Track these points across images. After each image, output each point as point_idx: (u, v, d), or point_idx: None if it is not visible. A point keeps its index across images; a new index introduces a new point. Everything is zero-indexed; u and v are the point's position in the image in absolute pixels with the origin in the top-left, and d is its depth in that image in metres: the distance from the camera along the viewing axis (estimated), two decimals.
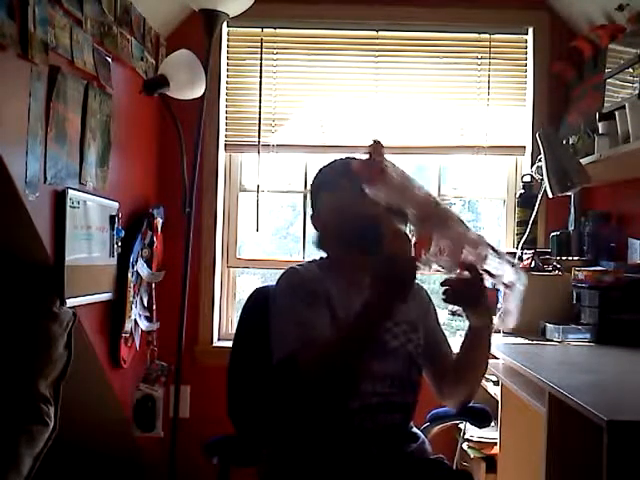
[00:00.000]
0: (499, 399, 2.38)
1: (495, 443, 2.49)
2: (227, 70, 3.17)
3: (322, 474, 1.50)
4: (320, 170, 1.66)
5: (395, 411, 1.55)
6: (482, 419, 1.82)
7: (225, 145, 3.18)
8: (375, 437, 1.51)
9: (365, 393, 1.51)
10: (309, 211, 1.69)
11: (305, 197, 3.23)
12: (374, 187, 1.17)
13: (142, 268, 2.72)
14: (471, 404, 1.69)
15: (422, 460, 1.58)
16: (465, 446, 2.68)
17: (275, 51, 3.17)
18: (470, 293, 1.38)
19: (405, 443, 1.57)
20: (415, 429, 1.66)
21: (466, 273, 1.35)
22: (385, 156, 1.18)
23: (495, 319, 1.42)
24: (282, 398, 1.52)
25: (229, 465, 1.68)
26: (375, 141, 1.18)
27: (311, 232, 1.69)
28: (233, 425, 1.72)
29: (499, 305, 1.40)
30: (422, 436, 1.65)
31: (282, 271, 1.59)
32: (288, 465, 1.56)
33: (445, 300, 1.39)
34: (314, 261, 1.67)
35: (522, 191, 2.91)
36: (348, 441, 1.50)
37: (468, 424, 2.47)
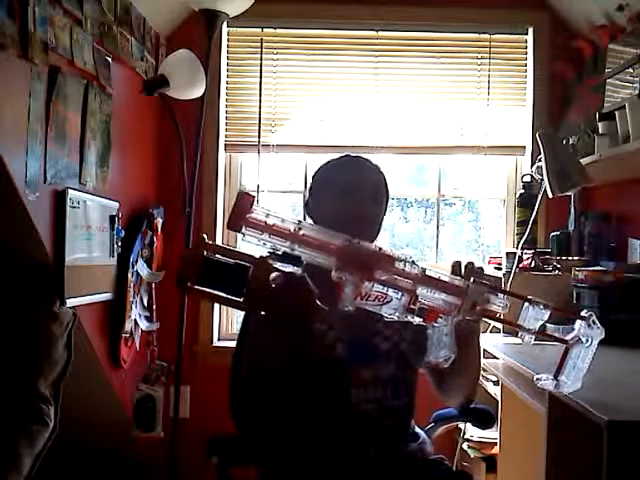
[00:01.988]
0: (499, 399, 2.38)
1: (495, 443, 2.49)
2: (227, 70, 3.17)
3: (320, 476, 1.50)
4: (327, 162, 1.64)
5: (391, 415, 1.54)
6: (485, 420, 1.81)
7: (225, 145, 3.18)
8: (372, 441, 1.51)
9: (358, 401, 1.50)
10: (305, 198, 1.66)
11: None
12: (240, 232, 1.10)
13: (142, 268, 2.72)
14: (474, 405, 1.68)
15: (421, 460, 1.58)
16: (465, 446, 2.68)
17: (275, 51, 3.17)
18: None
19: (404, 444, 1.57)
20: (417, 429, 1.65)
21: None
22: (256, 206, 1.10)
23: (548, 382, 1.22)
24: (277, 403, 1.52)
25: (229, 465, 1.68)
26: (239, 192, 1.13)
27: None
28: (234, 424, 1.72)
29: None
30: (423, 436, 1.64)
31: None
32: (287, 467, 1.56)
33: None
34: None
35: (522, 191, 2.91)
36: (345, 446, 1.50)
37: (469, 424, 2.47)
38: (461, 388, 1.58)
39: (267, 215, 1.10)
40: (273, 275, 1.09)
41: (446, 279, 1.15)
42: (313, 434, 1.51)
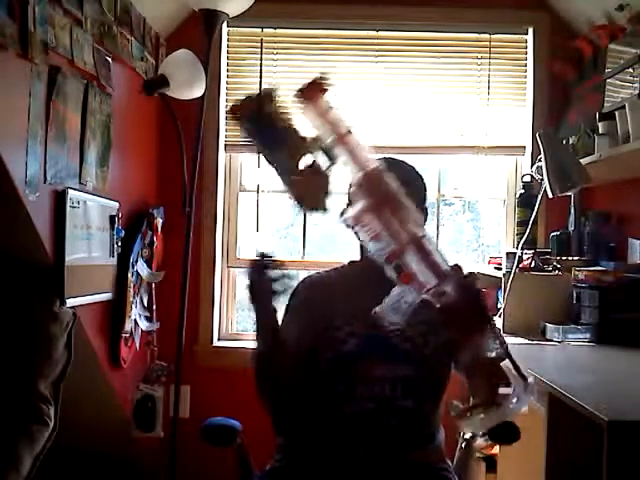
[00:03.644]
0: None
1: (495, 443, 2.49)
2: (227, 70, 3.17)
3: (318, 474, 1.51)
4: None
5: (395, 416, 1.53)
6: (512, 436, 1.72)
7: (225, 145, 3.18)
8: (366, 439, 1.51)
9: (361, 397, 1.50)
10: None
11: None
12: (306, 107, 1.17)
13: (142, 268, 2.72)
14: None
15: (417, 465, 1.55)
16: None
17: (275, 51, 3.17)
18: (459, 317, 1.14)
19: (405, 446, 1.55)
20: (439, 435, 1.61)
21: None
22: (329, 99, 1.18)
23: (457, 409, 1.12)
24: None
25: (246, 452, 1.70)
26: (322, 73, 1.19)
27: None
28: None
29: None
30: (436, 443, 1.59)
31: None
32: (291, 460, 1.58)
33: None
34: (338, 267, 1.68)
35: (522, 191, 2.91)
36: (342, 446, 1.50)
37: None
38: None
39: (330, 107, 1.16)
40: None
41: (437, 258, 1.12)
42: (313, 421, 1.53)
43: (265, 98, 1.20)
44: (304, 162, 1.14)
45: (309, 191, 1.17)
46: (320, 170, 1.15)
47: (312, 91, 1.16)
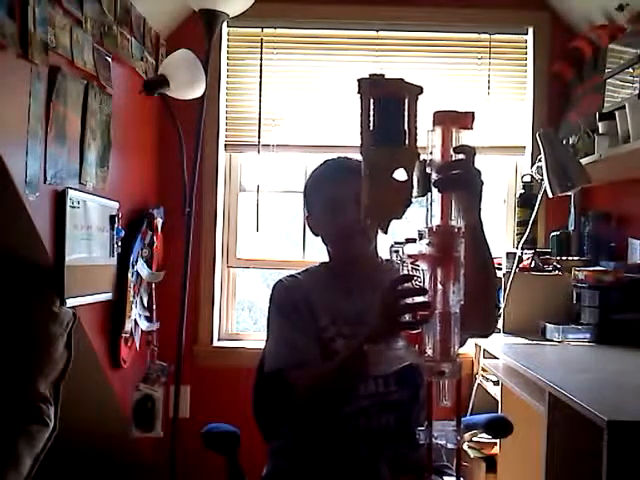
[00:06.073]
0: (499, 399, 2.38)
1: (495, 443, 2.49)
2: (227, 70, 3.17)
3: (319, 475, 1.51)
4: (313, 171, 1.68)
5: (391, 411, 1.53)
6: (503, 429, 1.76)
7: (225, 145, 3.18)
8: (370, 440, 1.51)
9: (357, 395, 1.50)
10: (304, 213, 1.71)
11: None
12: (443, 129, 1.08)
13: (142, 268, 2.72)
14: (491, 415, 1.68)
15: (415, 465, 1.55)
16: (465, 446, 2.68)
17: (275, 51, 3.17)
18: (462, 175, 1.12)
19: (403, 445, 1.55)
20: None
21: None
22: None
23: None
24: (276, 403, 1.55)
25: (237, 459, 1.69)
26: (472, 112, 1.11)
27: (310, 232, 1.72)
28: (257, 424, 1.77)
29: None
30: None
31: (282, 272, 1.61)
32: (289, 462, 1.58)
33: (439, 186, 1.10)
34: (309, 268, 1.69)
35: (522, 191, 2.91)
36: (343, 445, 1.50)
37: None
38: (484, 300, 1.35)
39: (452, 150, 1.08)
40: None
41: (453, 339, 1.06)
42: (314, 432, 1.54)
43: (413, 91, 1.07)
44: (400, 173, 1.06)
45: (388, 202, 1.07)
46: (408, 188, 1.06)
47: (460, 120, 1.08)
